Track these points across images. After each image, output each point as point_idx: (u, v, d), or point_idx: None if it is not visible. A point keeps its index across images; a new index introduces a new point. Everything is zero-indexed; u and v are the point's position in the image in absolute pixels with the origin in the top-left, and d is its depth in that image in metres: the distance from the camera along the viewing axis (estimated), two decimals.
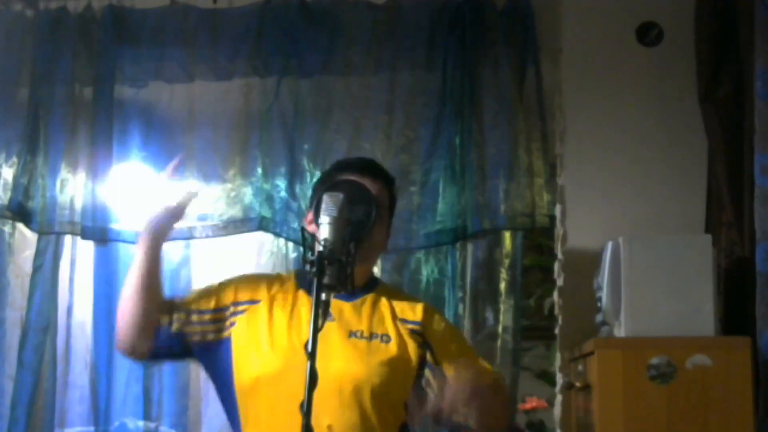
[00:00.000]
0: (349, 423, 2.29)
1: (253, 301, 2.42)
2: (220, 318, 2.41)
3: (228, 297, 2.43)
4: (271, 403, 2.30)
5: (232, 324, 2.41)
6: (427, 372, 2.35)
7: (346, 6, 3.43)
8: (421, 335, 2.40)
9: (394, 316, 2.42)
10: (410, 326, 2.41)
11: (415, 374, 2.38)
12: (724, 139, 3.05)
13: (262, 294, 2.43)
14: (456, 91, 3.33)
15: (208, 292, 2.46)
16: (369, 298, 2.43)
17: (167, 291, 3.37)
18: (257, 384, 2.33)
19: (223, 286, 2.47)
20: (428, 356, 2.39)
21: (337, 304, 2.34)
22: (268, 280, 2.49)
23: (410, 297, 2.59)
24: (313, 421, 2.15)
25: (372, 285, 2.49)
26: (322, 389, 2.22)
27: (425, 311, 2.45)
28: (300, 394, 1.99)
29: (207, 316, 2.41)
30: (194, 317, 2.41)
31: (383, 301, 2.44)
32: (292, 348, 2.30)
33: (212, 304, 2.43)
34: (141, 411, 3.36)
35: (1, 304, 3.45)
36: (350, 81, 3.42)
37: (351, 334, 2.36)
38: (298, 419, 1.98)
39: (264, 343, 2.36)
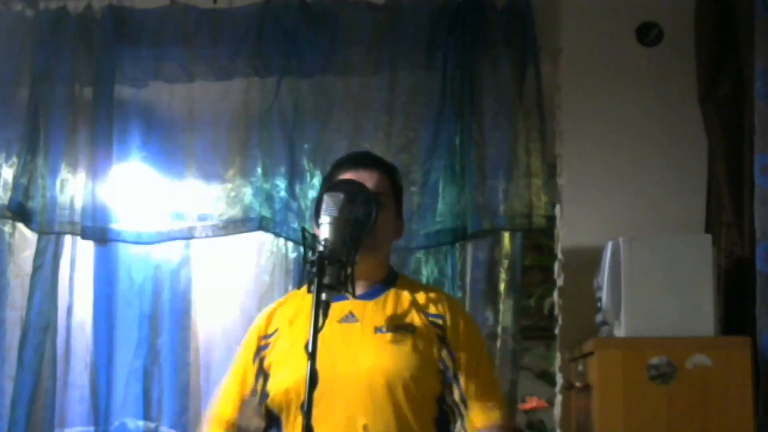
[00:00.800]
0: (385, 420, 2.29)
1: (275, 332, 2.46)
2: (261, 367, 2.45)
3: (257, 342, 2.47)
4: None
5: (264, 358, 2.45)
6: None
7: (346, 6, 3.43)
8: (443, 330, 2.40)
9: (416, 307, 2.42)
10: (431, 318, 2.41)
11: (438, 368, 2.38)
12: (724, 139, 3.05)
13: (278, 322, 2.46)
14: (456, 91, 3.33)
15: (246, 358, 2.49)
16: (391, 293, 2.44)
17: (167, 292, 3.41)
18: (288, 394, 2.35)
19: (249, 341, 2.50)
20: (445, 355, 2.39)
21: (359, 304, 2.37)
22: (278, 306, 2.53)
23: (434, 288, 2.60)
24: (349, 422, 2.23)
25: (392, 279, 2.49)
26: (354, 389, 2.26)
27: (451, 309, 2.45)
28: (327, 396, 1.99)
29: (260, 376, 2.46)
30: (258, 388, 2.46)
31: (405, 293, 2.44)
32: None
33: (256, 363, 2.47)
34: (141, 411, 3.36)
35: (1, 304, 3.45)
36: (350, 81, 3.42)
37: (376, 330, 2.37)
38: (330, 419, 1.97)
39: (288, 358, 2.38)
